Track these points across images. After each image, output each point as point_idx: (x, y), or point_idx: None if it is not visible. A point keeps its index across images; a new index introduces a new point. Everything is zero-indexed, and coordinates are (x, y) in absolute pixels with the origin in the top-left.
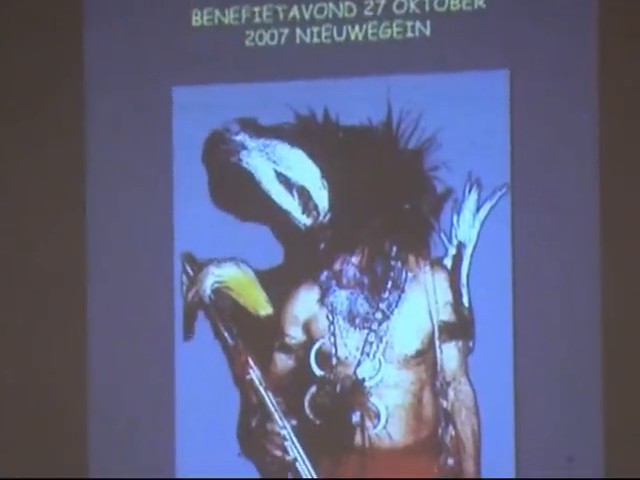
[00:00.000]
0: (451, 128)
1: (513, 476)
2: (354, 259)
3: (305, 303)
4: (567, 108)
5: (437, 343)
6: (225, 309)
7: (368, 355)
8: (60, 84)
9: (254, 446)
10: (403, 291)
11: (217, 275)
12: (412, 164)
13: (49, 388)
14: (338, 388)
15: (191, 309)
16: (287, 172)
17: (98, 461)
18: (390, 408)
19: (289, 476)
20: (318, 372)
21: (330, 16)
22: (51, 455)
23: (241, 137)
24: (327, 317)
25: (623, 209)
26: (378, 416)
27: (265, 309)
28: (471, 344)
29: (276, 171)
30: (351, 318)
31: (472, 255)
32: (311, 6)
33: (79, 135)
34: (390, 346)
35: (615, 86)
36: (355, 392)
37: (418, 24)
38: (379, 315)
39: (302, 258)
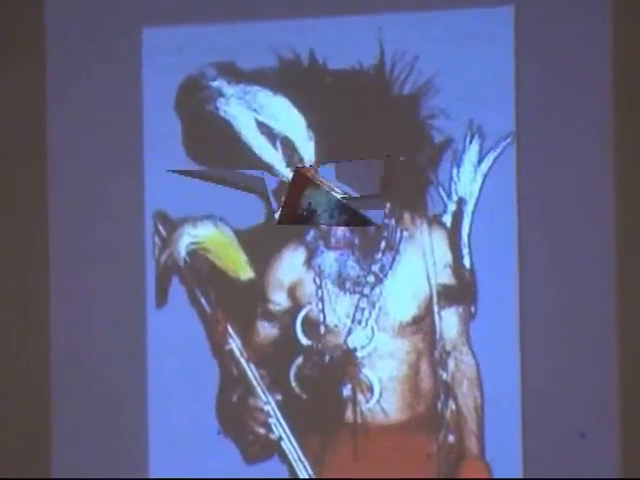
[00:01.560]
0: (450, 72)
1: (520, 453)
2: None
3: (290, 266)
4: (578, 48)
5: (435, 309)
6: (202, 273)
7: (359, 322)
8: (19, 23)
9: (235, 423)
10: (398, 252)
11: (193, 235)
12: (407, 111)
13: (11, 365)
14: (327, 359)
15: (164, 273)
16: (269, 121)
17: (63, 439)
18: (384, 380)
19: (275, 456)
20: (305, 341)
21: None
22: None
23: (218, 83)
24: (314, 281)
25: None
26: (371, 389)
27: (246, 272)
28: (473, 310)
29: (257, 120)
30: (341, 282)
31: (474, 212)
32: None
33: (40, 82)
34: (384, 312)
35: (632, 19)
36: (346, 363)
37: None
38: (371, 278)
39: None
